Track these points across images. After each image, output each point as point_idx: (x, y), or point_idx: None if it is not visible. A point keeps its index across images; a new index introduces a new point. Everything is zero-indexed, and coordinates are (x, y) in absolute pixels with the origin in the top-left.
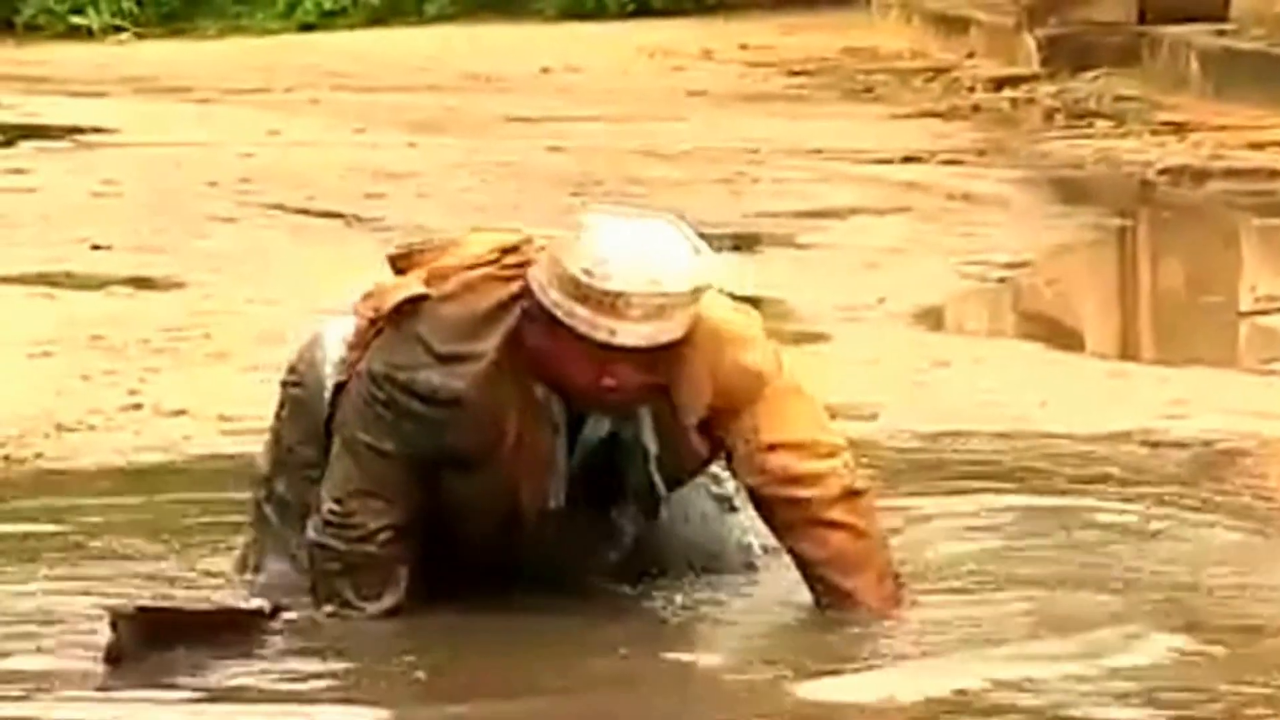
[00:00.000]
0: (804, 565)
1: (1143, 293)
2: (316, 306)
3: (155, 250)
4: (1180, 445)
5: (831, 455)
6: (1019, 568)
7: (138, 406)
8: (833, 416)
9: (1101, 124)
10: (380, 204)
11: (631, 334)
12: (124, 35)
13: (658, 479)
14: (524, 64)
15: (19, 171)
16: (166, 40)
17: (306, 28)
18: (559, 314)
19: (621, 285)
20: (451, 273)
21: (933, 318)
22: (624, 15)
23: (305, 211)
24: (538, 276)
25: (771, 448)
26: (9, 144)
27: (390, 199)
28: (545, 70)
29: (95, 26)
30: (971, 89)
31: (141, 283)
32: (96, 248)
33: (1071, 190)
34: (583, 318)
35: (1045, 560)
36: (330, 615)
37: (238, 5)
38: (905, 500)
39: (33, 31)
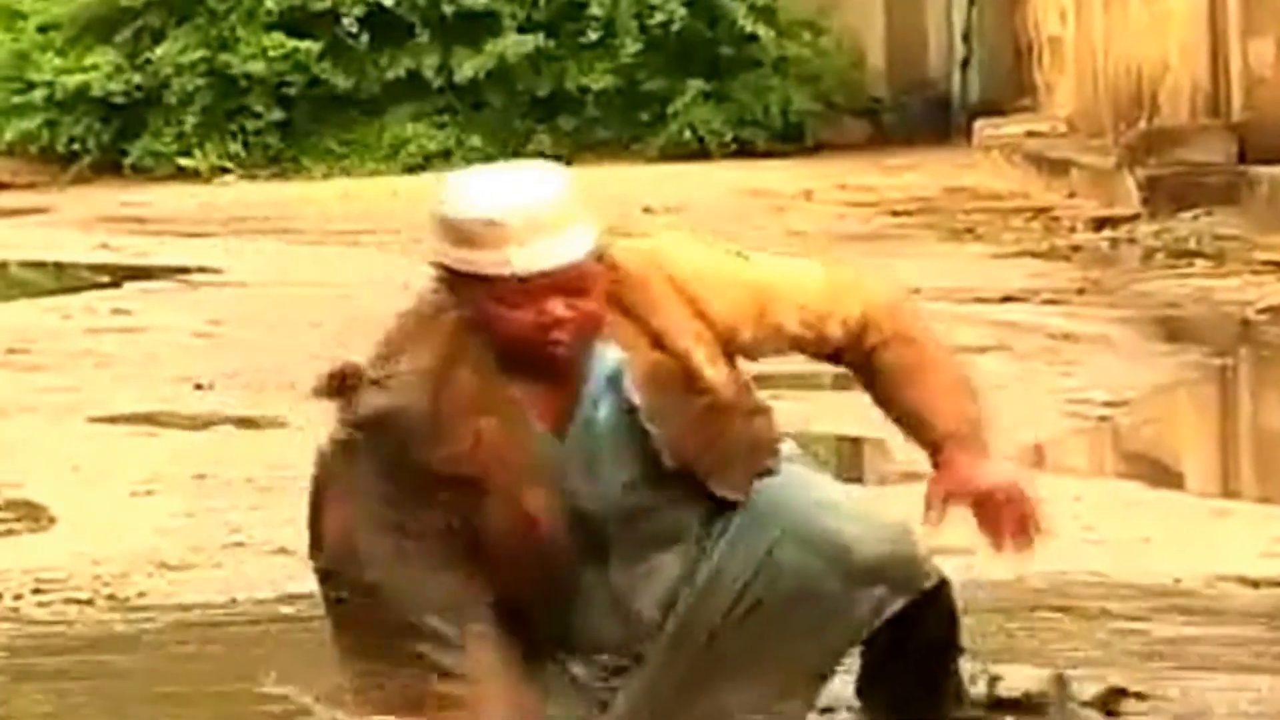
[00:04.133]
0: (887, 402)
1: (1244, 431)
2: None
3: (258, 390)
4: None
5: (883, 299)
6: None
7: (240, 545)
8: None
9: (1201, 263)
10: None
11: (525, 257)
12: (230, 177)
13: (656, 435)
14: (626, 203)
15: (124, 312)
16: (272, 182)
17: (411, 169)
18: (460, 267)
19: (491, 213)
20: None
21: (1033, 456)
22: (725, 156)
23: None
24: (432, 248)
25: (821, 316)
26: (115, 284)
27: None
28: (647, 210)
29: (202, 168)
30: (1072, 229)
31: (244, 422)
32: (200, 387)
33: (1172, 329)
34: (477, 259)
35: None
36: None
37: (343, 147)
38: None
39: (140, 173)
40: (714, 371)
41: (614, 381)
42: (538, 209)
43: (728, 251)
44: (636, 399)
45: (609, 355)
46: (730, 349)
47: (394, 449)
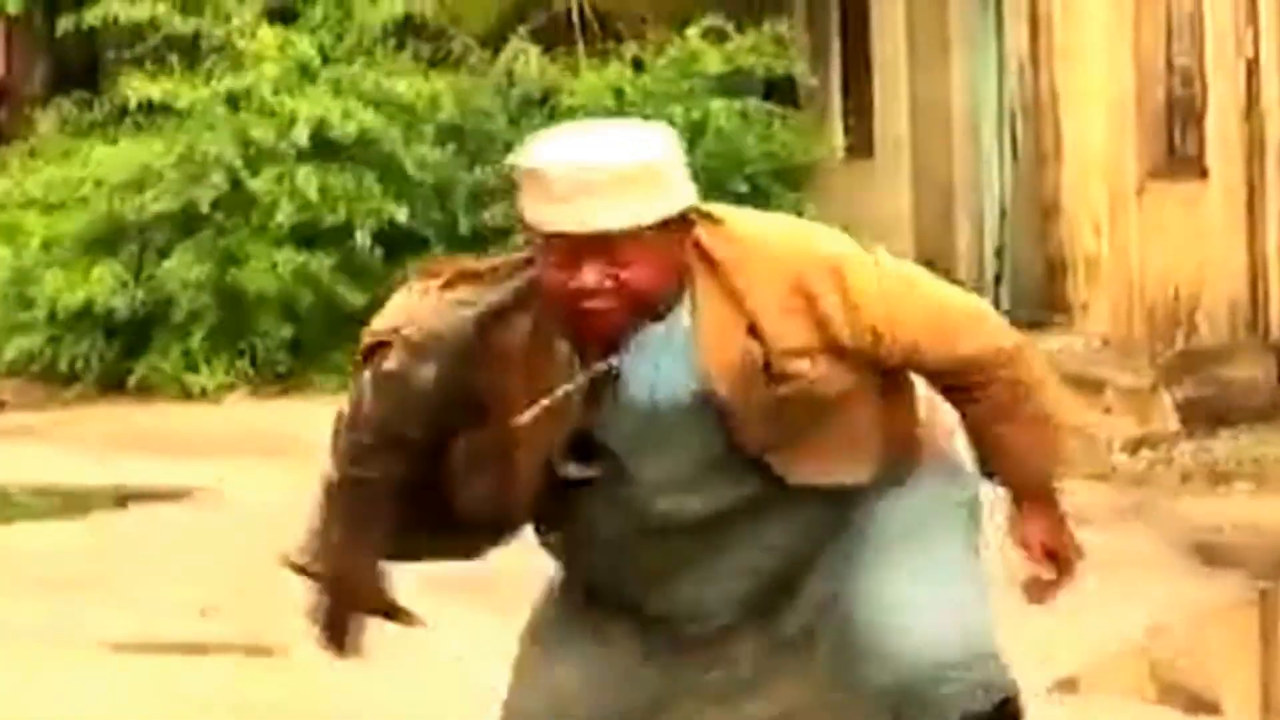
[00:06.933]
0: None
1: None
2: (434, 676)
3: (265, 616)
4: None
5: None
6: None
7: None
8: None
9: (1241, 484)
10: (497, 558)
11: (558, 214)
12: (237, 395)
13: (724, 417)
14: None
15: (128, 534)
16: (281, 399)
17: None
18: (521, 213)
19: (541, 162)
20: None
21: (1069, 683)
22: None
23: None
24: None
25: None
26: (119, 505)
27: (507, 552)
28: None
29: (208, 386)
30: (1108, 449)
31: (250, 650)
32: (204, 613)
33: (1211, 553)
34: (525, 208)
35: None
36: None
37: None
38: None
39: (144, 392)
40: (809, 364)
41: (680, 356)
42: (591, 170)
43: (871, 260)
44: (703, 382)
45: (678, 329)
46: (844, 347)
47: (430, 364)
